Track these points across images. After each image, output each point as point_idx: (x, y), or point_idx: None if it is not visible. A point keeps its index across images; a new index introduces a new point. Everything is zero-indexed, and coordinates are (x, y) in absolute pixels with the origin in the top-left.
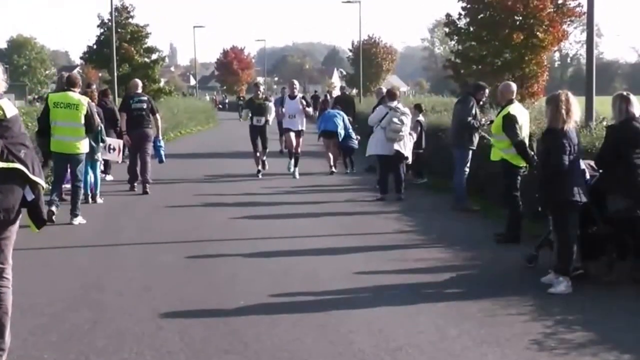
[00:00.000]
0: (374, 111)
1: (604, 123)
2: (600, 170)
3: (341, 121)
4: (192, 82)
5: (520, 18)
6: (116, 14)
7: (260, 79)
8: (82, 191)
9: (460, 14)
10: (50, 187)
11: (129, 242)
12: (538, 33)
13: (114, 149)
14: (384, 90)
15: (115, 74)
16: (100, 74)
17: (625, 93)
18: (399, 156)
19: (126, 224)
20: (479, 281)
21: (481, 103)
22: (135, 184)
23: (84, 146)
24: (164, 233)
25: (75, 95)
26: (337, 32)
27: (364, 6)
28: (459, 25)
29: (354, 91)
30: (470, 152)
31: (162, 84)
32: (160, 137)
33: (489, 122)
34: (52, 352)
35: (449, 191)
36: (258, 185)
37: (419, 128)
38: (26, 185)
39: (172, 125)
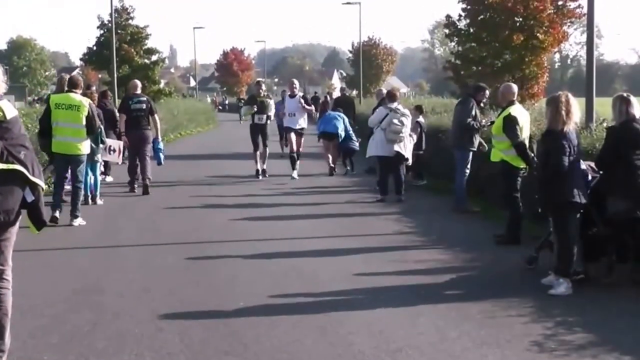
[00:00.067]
0: (374, 112)
1: (604, 124)
2: (601, 172)
3: (341, 123)
4: (192, 83)
5: (521, 19)
6: (116, 15)
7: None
8: (82, 192)
9: (460, 15)
10: (52, 190)
11: (129, 243)
12: (538, 34)
13: (114, 151)
14: (384, 91)
15: (115, 75)
16: (100, 75)
17: (625, 94)
18: (399, 157)
19: (126, 225)
20: (479, 282)
21: (482, 104)
22: (136, 185)
23: (85, 147)
24: (163, 234)
25: (76, 96)
26: (337, 34)
27: (364, 7)
28: (459, 27)
29: (354, 92)
30: (471, 153)
31: (162, 85)
32: (160, 139)
33: (489, 124)
34: (52, 353)
35: (449, 192)
36: (258, 187)
37: (419, 129)
38: (26, 187)
39: (172, 126)
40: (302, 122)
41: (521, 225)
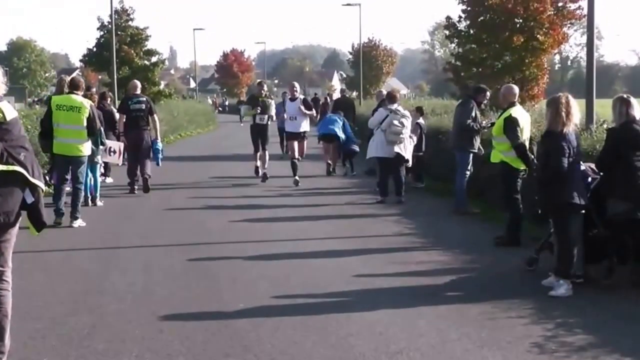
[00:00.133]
0: (374, 114)
1: (605, 126)
2: (601, 173)
3: (341, 125)
4: (192, 84)
5: (521, 21)
6: (116, 16)
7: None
8: (82, 194)
9: (460, 17)
10: (53, 193)
11: (129, 245)
12: (538, 36)
13: (114, 152)
14: (384, 92)
15: (115, 77)
16: (100, 77)
17: (625, 96)
18: (399, 159)
19: (126, 226)
20: (479, 284)
21: (482, 106)
22: (136, 187)
23: (86, 148)
24: (164, 236)
25: (78, 97)
26: (337, 35)
27: (364, 9)
28: (459, 28)
29: (354, 94)
30: (471, 154)
31: (162, 86)
32: (159, 140)
33: (489, 125)
34: (52, 356)
35: (449, 194)
36: (258, 188)
37: (419, 131)
38: (26, 188)
39: (172, 128)
40: (305, 125)
41: (521, 227)
